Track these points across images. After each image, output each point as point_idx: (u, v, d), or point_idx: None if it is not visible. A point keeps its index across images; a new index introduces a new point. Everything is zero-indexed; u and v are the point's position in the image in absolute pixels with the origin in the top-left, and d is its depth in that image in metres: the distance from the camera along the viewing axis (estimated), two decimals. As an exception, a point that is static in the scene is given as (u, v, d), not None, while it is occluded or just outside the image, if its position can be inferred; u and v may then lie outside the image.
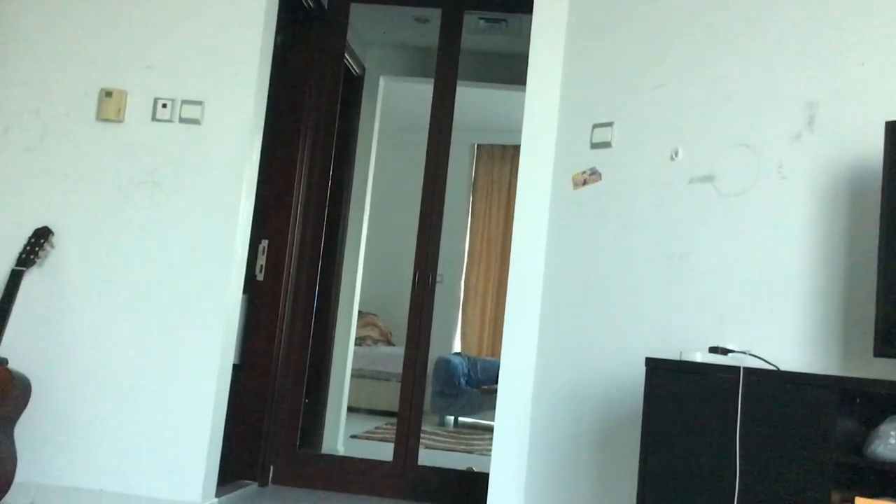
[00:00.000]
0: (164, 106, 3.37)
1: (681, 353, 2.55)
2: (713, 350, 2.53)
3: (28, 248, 3.26)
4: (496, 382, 3.24)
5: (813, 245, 2.61)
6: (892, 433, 2.11)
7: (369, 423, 6.72)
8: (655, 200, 2.94)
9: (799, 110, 2.69)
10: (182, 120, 3.36)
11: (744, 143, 2.79)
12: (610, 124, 3.10)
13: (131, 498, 3.20)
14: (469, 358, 7.51)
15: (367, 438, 5.84)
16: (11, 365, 3.19)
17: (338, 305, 4.91)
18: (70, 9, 3.45)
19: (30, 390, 3.16)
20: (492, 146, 8.73)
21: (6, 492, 3.04)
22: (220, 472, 3.41)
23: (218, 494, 3.42)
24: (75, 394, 3.27)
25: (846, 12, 2.66)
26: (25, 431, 3.24)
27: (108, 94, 3.38)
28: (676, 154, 2.92)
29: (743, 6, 2.85)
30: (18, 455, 3.20)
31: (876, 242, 2.46)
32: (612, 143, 3.08)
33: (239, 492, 3.72)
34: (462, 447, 5.82)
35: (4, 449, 3.03)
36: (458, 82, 4.25)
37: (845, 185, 2.59)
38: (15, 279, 3.22)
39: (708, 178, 2.85)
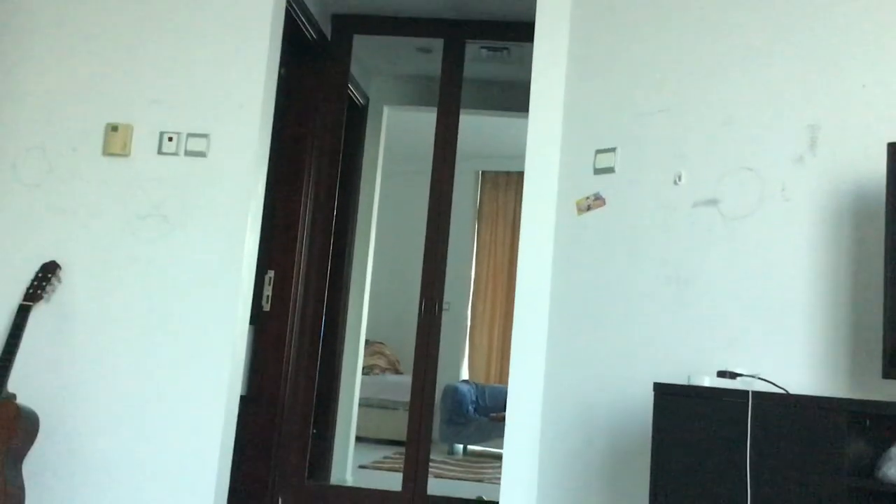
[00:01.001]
0: (170, 139, 3.39)
1: (689, 377, 2.54)
2: (721, 374, 2.52)
3: (35, 282, 3.28)
4: (504, 409, 3.23)
5: (818, 267, 2.61)
6: (904, 455, 2.09)
7: (378, 453, 6.68)
8: (660, 225, 2.95)
9: (801, 133, 2.70)
10: (188, 153, 3.38)
11: (747, 167, 2.80)
12: (613, 149, 3.11)
13: (140, 532, 3.18)
14: (477, 385, 7.48)
15: (376, 468, 5.81)
16: (19, 400, 3.19)
17: (345, 334, 4.91)
18: (76, 45, 3.49)
19: (38, 425, 3.16)
20: (496, 173, 8.76)
21: (14, 527, 3.03)
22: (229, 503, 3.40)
23: (226, 527, 3.40)
24: (83, 428, 3.27)
25: (847, 35, 2.67)
26: (33, 466, 3.23)
27: (115, 128, 3.41)
28: (680, 178, 2.93)
29: (744, 31, 2.88)
30: (26, 490, 3.19)
31: (882, 263, 2.45)
32: (616, 168, 3.09)
33: (248, 524, 3.70)
34: (471, 476, 5.79)
35: (12, 483, 3.02)
36: (462, 110, 4.29)
37: (849, 207, 2.59)
38: (23, 314, 3.23)
39: (712, 202, 2.85)
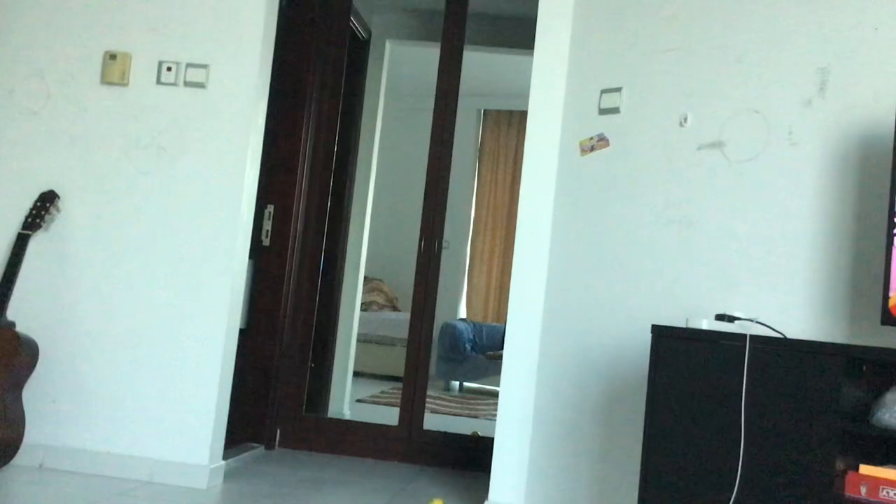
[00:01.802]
0: (169, 69, 3.34)
1: (687, 320, 2.55)
2: (719, 317, 2.52)
3: (34, 211, 3.26)
4: (501, 348, 3.24)
5: (822, 213, 2.60)
6: (898, 401, 2.11)
7: (375, 388, 6.76)
8: (664, 167, 2.92)
9: (810, 76, 2.66)
10: (187, 83, 3.34)
11: (754, 109, 2.76)
12: (618, 90, 3.07)
13: (138, 460, 3.23)
14: (474, 324, 7.53)
15: (373, 403, 5.87)
16: (18, 328, 3.20)
17: (344, 270, 4.91)
18: (73, -30, 3.42)
19: (37, 353, 3.18)
20: (498, 111, 8.67)
21: (15, 454, 3.07)
22: (227, 435, 3.44)
23: (225, 457, 3.45)
24: (82, 357, 3.29)
25: (860, -24, 2.61)
26: (33, 394, 3.26)
27: (113, 56, 3.36)
28: (685, 120, 2.89)
29: (755, -31, 2.81)
30: (26, 417, 3.22)
31: (886, 210, 2.44)
32: (621, 109, 3.05)
33: (245, 454, 3.75)
34: (467, 412, 5.86)
35: (13, 411, 3.05)
36: (466, 46, 4.21)
37: (856, 153, 2.57)
38: (21, 243, 3.22)
39: (717, 145, 2.82)
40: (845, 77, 2.61)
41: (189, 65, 3.34)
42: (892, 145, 2.38)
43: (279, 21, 3.58)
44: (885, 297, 2.27)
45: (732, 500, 2.25)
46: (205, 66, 3.33)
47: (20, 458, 3.21)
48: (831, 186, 2.59)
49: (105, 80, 3.37)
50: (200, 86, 3.33)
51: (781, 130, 2.70)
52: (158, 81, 3.35)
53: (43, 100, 3.39)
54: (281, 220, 4.05)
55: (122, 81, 3.35)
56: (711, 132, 2.84)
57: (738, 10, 2.83)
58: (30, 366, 3.15)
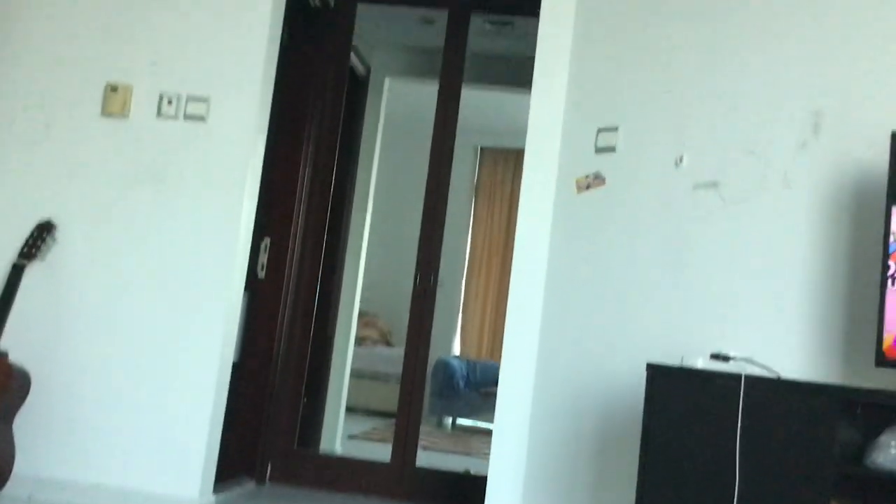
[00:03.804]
0: (170, 102, 3.36)
1: (682, 358, 2.55)
2: (715, 357, 2.52)
3: (30, 241, 3.26)
4: (495, 385, 3.23)
5: (816, 253, 2.61)
6: (893, 443, 2.10)
7: (367, 424, 6.71)
8: (660, 206, 2.94)
9: (805, 118, 2.69)
10: (187, 116, 3.36)
11: (749, 151, 2.79)
12: (615, 129, 3.10)
13: (129, 493, 3.19)
14: (468, 360, 7.50)
15: (366, 439, 5.83)
16: (12, 358, 3.18)
17: (338, 305, 4.90)
18: (77, 2, 3.45)
19: (29, 383, 3.16)
20: (495, 149, 8.72)
21: (4, 484, 3.04)
22: (218, 469, 3.41)
23: (216, 491, 3.41)
24: (75, 388, 3.27)
25: (852, 21, 2.66)
26: (24, 424, 3.23)
27: (114, 88, 3.38)
28: (681, 160, 2.92)
29: (750, 14, 2.85)
30: (17, 448, 3.19)
31: (880, 251, 2.45)
32: (618, 148, 3.08)
33: (236, 489, 3.72)
34: (460, 449, 5.82)
35: (3, 441, 3.03)
36: (463, 84, 4.25)
37: (850, 194, 2.59)
38: (17, 272, 3.21)
39: (712, 185, 2.84)
40: (839, 120, 2.64)
41: (190, 98, 3.36)
42: (885, 187, 2.41)
43: (280, 56, 3.61)
44: (880, 339, 2.28)
45: (727, 541, 2.24)
46: (205, 100, 3.35)
47: (9, 490, 3.17)
48: (826, 227, 2.61)
49: (105, 112, 3.39)
50: (200, 119, 3.35)
51: (776, 172, 2.72)
52: (159, 114, 3.37)
53: (43, 130, 3.41)
54: (277, 253, 4.05)
55: (123, 113, 3.38)
56: (707, 172, 2.86)
57: (732, 53, 2.87)
58: (21, 396, 3.13)
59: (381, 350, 7.91)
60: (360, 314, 6.98)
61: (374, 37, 5.25)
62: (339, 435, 5.03)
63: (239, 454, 3.93)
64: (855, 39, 2.65)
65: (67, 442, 3.24)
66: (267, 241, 4.03)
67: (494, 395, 3.19)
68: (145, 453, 3.22)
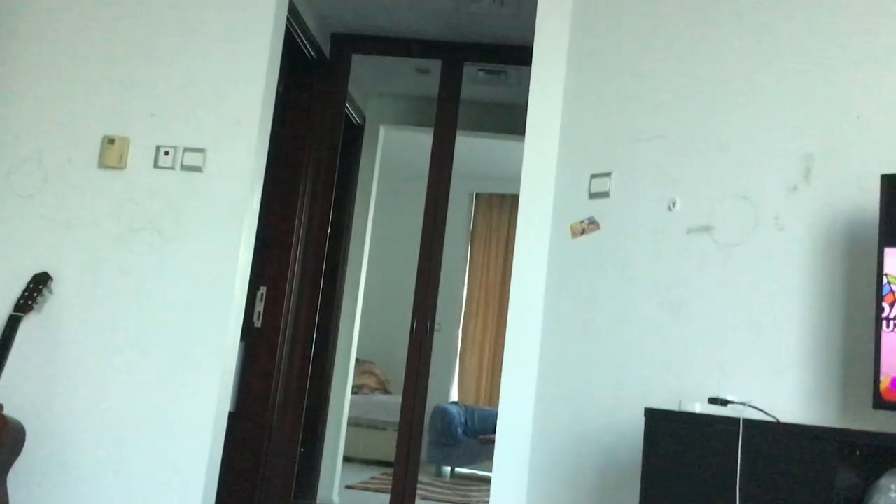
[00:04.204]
0: (167, 153, 3.39)
1: (680, 403, 2.54)
2: (712, 401, 2.52)
3: (26, 293, 3.26)
4: (493, 432, 3.22)
5: (811, 296, 2.62)
6: (893, 487, 2.09)
7: (365, 474, 6.64)
8: (654, 250, 2.96)
9: (796, 162, 2.72)
10: (184, 167, 3.38)
11: (741, 195, 2.81)
12: (608, 174, 3.13)
13: (123, 547, 3.15)
14: (466, 407, 7.46)
15: (363, 489, 5.77)
16: (7, 410, 3.16)
17: (335, 353, 4.89)
18: (74, 56, 3.50)
19: (24, 436, 3.14)
20: (490, 195, 8.78)
21: (-3, 540, 3.00)
22: (214, 522, 3.37)
23: (211, 544, 3.37)
24: (70, 440, 3.24)
25: (842, 65, 2.70)
26: (19, 478, 3.20)
27: (111, 141, 3.41)
28: (674, 204, 2.94)
29: (740, 60, 2.90)
30: (11, 501, 3.16)
31: (874, 293, 2.46)
32: (611, 193, 3.10)
33: (232, 542, 3.67)
34: (459, 498, 5.75)
35: (-4, 496, 3.00)
36: (458, 132, 4.30)
37: (842, 237, 2.61)
38: (12, 324, 3.21)
39: (706, 229, 2.86)
40: (829, 163, 2.67)
41: (186, 149, 3.39)
42: (877, 231, 2.42)
43: (277, 105, 3.65)
44: (876, 381, 2.28)
45: (729, 588, 2.21)
46: (202, 150, 3.39)
47: (1, 546, 3.13)
48: (819, 270, 2.62)
49: (102, 164, 3.41)
50: (197, 169, 3.38)
51: (768, 215, 2.74)
52: (156, 165, 3.40)
53: (40, 183, 3.43)
54: (273, 302, 4.06)
55: (120, 165, 3.40)
56: (700, 216, 2.88)
57: (722, 98, 2.91)
58: (16, 449, 3.11)
59: (379, 398, 7.87)
60: (358, 362, 6.96)
61: (370, 86, 5.32)
62: (336, 485, 4.99)
63: (235, 505, 3.89)
64: (844, 84, 2.69)
65: (63, 494, 3.21)
66: (263, 290, 4.04)
67: (493, 442, 3.18)
68: (140, 506, 3.18)
